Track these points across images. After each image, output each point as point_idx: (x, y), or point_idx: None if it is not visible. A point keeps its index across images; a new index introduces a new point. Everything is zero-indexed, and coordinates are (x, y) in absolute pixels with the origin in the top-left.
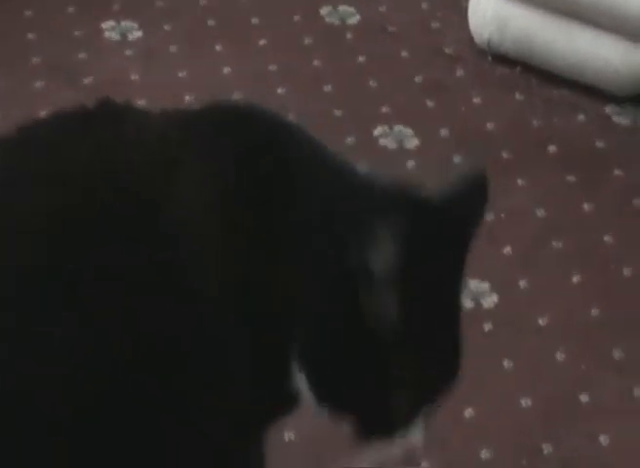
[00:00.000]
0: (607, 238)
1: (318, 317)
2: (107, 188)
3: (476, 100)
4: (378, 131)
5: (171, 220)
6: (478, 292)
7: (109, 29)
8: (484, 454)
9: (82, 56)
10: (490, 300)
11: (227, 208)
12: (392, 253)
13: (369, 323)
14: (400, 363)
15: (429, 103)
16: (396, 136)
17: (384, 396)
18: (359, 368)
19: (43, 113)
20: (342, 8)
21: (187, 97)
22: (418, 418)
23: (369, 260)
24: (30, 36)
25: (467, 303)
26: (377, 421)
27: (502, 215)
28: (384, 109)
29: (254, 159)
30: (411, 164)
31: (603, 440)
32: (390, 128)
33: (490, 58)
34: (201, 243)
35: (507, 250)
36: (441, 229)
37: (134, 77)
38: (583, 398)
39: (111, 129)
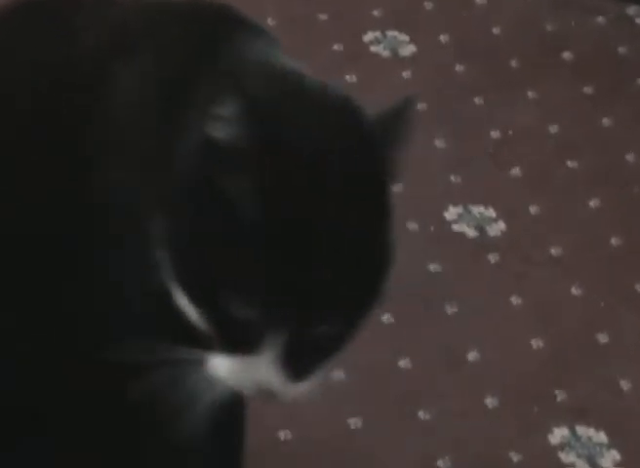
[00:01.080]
0: (629, 157)
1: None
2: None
3: (480, 2)
4: (368, 36)
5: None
6: (482, 220)
7: None
8: (489, 402)
9: None
10: (496, 228)
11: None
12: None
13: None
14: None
15: (427, 5)
16: (390, 43)
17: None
18: (223, 257)
19: None
20: None
21: None
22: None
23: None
24: None
25: (470, 232)
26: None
27: (510, 133)
28: (376, 12)
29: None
30: (406, 74)
31: (624, 385)
32: (383, 33)
33: None
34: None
35: (515, 171)
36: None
37: None
38: (602, 338)
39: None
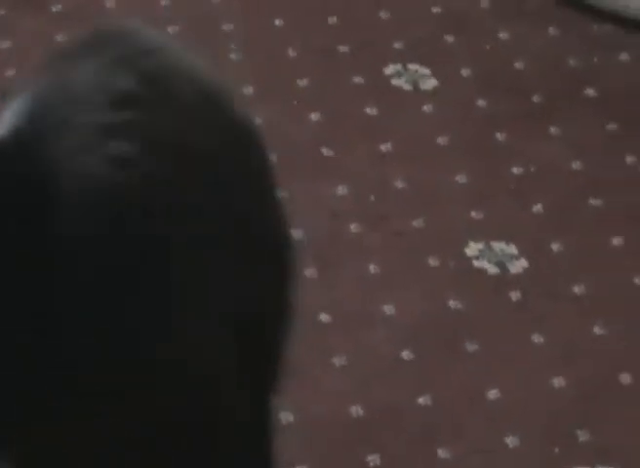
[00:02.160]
0: None
1: None
2: None
3: (503, 36)
4: (390, 69)
5: None
6: (504, 256)
7: None
8: (510, 441)
9: None
10: (518, 265)
11: None
12: None
13: None
14: None
15: (449, 39)
16: (411, 77)
17: None
18: None
19: (6, 45)
20: None
21: (171, 29)
22: None
23: None
24: None
25: (491, 269)
26: None
27: (532, 169)
28: (397, 45)
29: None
30: (427, 108)
31: None
32: (404, 66)
33: None
34: None
35: (538, 208)
36: None
37: (109, 4)
38: (624, 378)
39: None
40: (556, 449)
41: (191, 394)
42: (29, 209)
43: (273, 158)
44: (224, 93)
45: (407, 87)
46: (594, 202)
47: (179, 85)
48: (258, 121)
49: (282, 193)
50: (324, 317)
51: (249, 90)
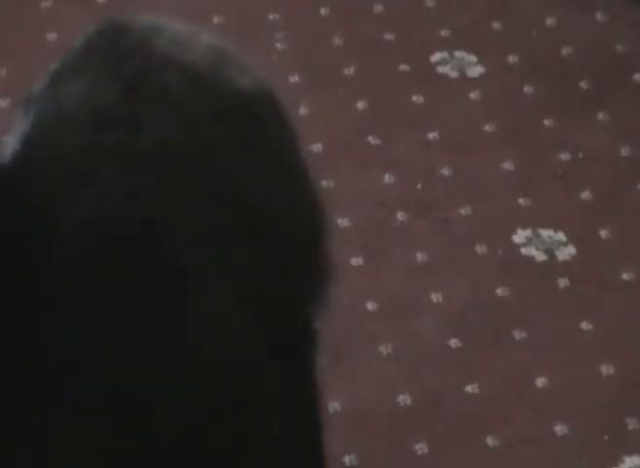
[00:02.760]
0: None
1: None
2: None
3: (550, 22)
4: (436, 57)
5: None
6: (552, 243)
7: None
8: (559, 429)
9: None
10: (566, 252)
11: None
12: None
13: None
14: None
15: (495, 25)
16: (457, 64)
17: None
18: None
19: (52, 36)
20: None
21: (216, 19)
22: None
23: None
24: None
25: (539, 256)
26: None
27: (580, 155)
28: (443, 33)
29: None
30: (474, 95)
31: None
32: (450, 54)
33: None
34: None
35: (586, 194)
36: None
37: None
38: None
39: None
40: (605, 437)
41: (216, 390)
42: (21, 237)
43: (319, 147)
44: (228, 76)
45: (453, 74)
46: None
47: (163, 79)
48: (302, 110)
49: (328, 182)
50: (371, 305)
51: (295, 79)
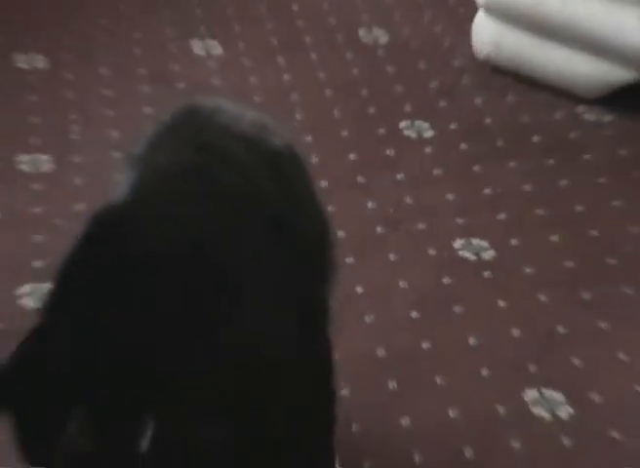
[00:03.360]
0: (579, 208)
1: None
2: None
3: (477, 101)
4: (402, 124)
5: None
6: (479, 248)
7: (198, 48)
8: (484, 372)
9: (176, 67)
10: (489, 254)
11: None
12: None
13: None
14: None
15: (442, 103)
16: (417, 129)
17: None
18: None
19: (148, 110)
20: (375, 30)
21: (256, 97)
22: None
23: None
24: (137, 51)
25: (471, 257)
26: None
27: (499, 190)
28: (407, 108)
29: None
30: (428, 150)
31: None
32: (412, 122)
33: (489, 68)
34: None
35: (502, 216)
36: None
37: (215, 82)
38: (560, 329)
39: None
40: (515, 376)
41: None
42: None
43: (325, 184)
44: (267, 139)
45: (413, 135)
46: (539, 212)
47: (223, 143)
48: (314, 160)
49: (330, 207)
50: (359, 289)
51: (308, 138)
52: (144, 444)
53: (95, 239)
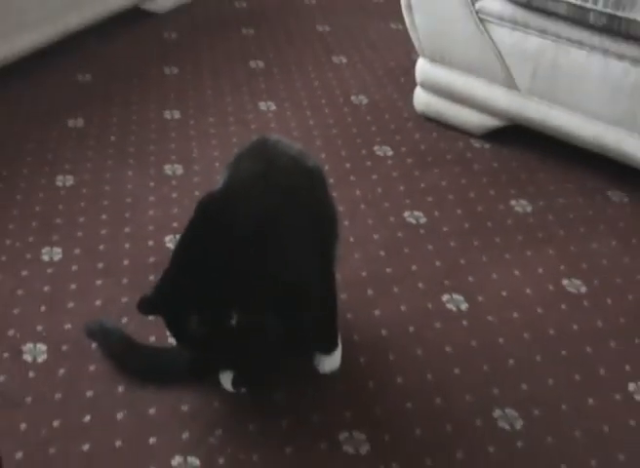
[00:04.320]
0: (471, 195)
1: None
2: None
3: (417, 136)
4: (376, 147)
5: None
6: (417, 217)
7: (262, 106)
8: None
9: (250, 116)
10: (423, 221)
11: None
12: None
13: None
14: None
15: (397, 137)
16: (383, 150)
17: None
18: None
19: (235, 140)
20: (360, 97)
21: (295, 134)
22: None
23: None
24: (230, 109)
25: (414, 221)
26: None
27: (427, 186)
28: (378, 139)
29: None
30: (389, 162)
31: None
32: (381, 146)
33: (423, 118)
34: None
35: (430, 198)
36: None
37: (272, 126)
38: (462, 261)
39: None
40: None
41: (301, 291)
42: (222, 223)
43: (331, 180)
44: (305, 161)
45: (382, 154)
46: (450, 197)
47: (281, 162)
48: (326, 168)
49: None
50: (351, 239)
51: (323, 155)
52: (232, 324)
53: (202, 211)
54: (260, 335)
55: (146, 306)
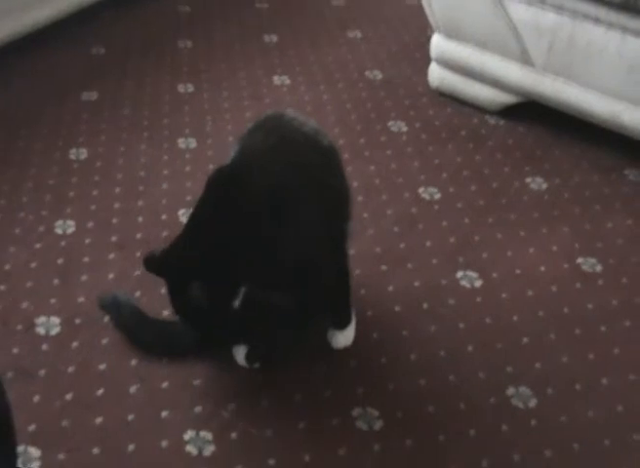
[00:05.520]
0: (486, 170)
1: None
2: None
3: (430, 112)
4: (390, 123)
5: None
6: (432, 192)
7: (277, 80)
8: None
9: (264, 90)
10: (437, 196)
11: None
12: None
13: None
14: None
15: (411, 112)
16: (397, 126)
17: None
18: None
19: (248, 115)
20: (375, 72)
21: (308, 109)
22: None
23: None
24: (242, 82)
25: (428, 197)
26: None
27: (442, 162)
28: (392, 114)
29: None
30: (404, 138)
31: None
32: (395, 122)
33: (437, 93)
34: None
35: (445, 174)
36: None
37: (286, 100)
38: (476, 238)
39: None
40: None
41: (314, 266)
42: (236, 194)
43: (345, 156)
44: (319, 137)
45: (396, 130)
46: (466, 173)
47: (293, 136)
48: (339, 142)
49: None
50: (365, 215)
51: (336, 130)
52: (237, 302)
53: (215, 182)
54: (269, 310)
55: (151, 263)
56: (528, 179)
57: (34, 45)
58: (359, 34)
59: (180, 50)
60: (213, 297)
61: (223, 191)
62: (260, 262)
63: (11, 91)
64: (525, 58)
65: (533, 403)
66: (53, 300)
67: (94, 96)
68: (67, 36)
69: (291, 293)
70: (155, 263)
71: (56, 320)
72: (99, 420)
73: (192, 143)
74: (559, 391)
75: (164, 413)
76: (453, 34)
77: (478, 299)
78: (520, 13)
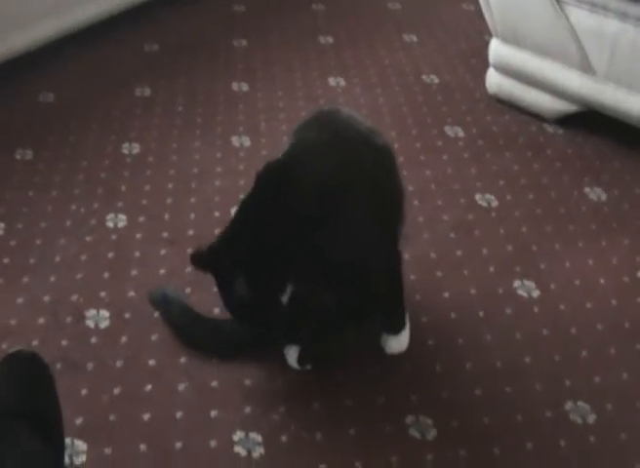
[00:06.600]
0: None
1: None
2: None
3: (488, 118)
4: (447, 128)
5: None
6: (489, 200)
7: (332, 82)
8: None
9: (319, 91)
10: (494, 204)
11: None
12: None
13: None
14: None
15: (468, 118)
16: (454, 131)
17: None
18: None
19: (302, 113)
20: (431, 77)
21: (363, 111)
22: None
23: None
24: (298, 83)
25: (485, 204)
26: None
27: (500, 170)
28: (449, 120)
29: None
30: (460, 144)
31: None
32: (452, 127)
33: (495, 99)
34: None
35: (501, 182)
36: None
37: (340, 100)
38: (533, 247)
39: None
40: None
41: (367, 267)
42: (288, 186)
43: (400, 159)
44: (374, 138)
45: (452, 135)
46: (522, 181)
47: (348, 134)
48: (395, 145)
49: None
50: (420, 219)
51: (393, 133)
52: (285, 299)
53: (265, 177)
54: (316, 309)
55: (198, 258)
56: (587, 190)
57: (89, 40)
58: (415, 38)
59: (235, 49)
60: (259, 293)
61: (273, 186)
62: (307, 259)
63: (65, 84)
64: (585, 66)
65: (591, 419)
66: (102, 294)
67: (147, 91)
68: (121, 33)
69: (338, 293)
70: (201, 258)
71: (105, 313)
72: (146, 416)
73: (246, 142)
74: (619, 408)
75: (213, 413)
76: (511, 40)
77: (535, 310)
78: (581, 19)
